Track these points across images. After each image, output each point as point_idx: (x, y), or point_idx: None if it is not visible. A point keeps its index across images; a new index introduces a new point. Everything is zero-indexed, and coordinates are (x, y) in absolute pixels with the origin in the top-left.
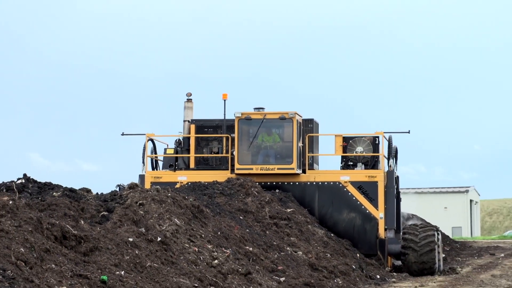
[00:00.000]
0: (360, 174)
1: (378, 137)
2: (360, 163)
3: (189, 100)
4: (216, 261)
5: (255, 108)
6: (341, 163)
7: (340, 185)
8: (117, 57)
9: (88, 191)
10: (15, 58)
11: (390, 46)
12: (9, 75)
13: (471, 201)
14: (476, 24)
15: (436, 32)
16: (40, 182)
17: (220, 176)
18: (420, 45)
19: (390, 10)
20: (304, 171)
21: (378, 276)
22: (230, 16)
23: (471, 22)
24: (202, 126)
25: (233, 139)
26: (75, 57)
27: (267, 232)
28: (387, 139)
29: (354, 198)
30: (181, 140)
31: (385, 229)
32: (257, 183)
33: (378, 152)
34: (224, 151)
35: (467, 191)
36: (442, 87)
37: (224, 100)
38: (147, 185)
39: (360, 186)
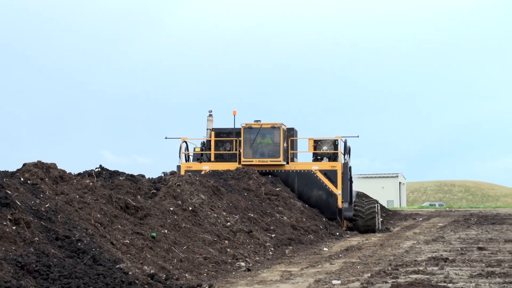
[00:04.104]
0: (325, 164)
1: (337, 139)
2: (326, 157)
3: (210, 115)
4: (228, 223)
5: (254, 120)
6: (313, 157)
7: (312, 172)
8: (163, 90)
9: (143, 176)
10: (97, 93)
11: (344, 76)
12: (94, 101)
13: (400, 183)
14: (403, 52)
15: (372, 62)
16: (110, 170)
17: (232, 166)
18: (365, 75)
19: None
20: (287, 163)
21: (338, 233)
22: (237, 59)
23: (403, 46)
24: (219, 132)
25: (240, 141)
26: (136, 89)
27: (263, 204)
28: (344, 141)
29: (321, 181)
30: (205, 142)
31: (342, 202)
32: (256, 171)
33: (337, 150)
34: (234, 149)
35: (397, 176)
36: (380, 105)
37: (234, 115)
38: (182, 172)
39: (325, 173)
